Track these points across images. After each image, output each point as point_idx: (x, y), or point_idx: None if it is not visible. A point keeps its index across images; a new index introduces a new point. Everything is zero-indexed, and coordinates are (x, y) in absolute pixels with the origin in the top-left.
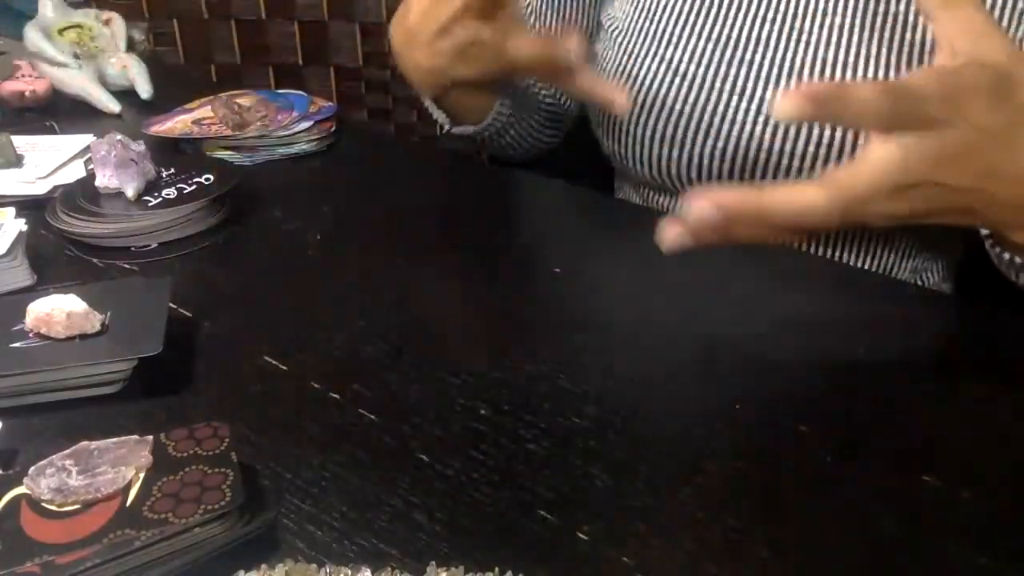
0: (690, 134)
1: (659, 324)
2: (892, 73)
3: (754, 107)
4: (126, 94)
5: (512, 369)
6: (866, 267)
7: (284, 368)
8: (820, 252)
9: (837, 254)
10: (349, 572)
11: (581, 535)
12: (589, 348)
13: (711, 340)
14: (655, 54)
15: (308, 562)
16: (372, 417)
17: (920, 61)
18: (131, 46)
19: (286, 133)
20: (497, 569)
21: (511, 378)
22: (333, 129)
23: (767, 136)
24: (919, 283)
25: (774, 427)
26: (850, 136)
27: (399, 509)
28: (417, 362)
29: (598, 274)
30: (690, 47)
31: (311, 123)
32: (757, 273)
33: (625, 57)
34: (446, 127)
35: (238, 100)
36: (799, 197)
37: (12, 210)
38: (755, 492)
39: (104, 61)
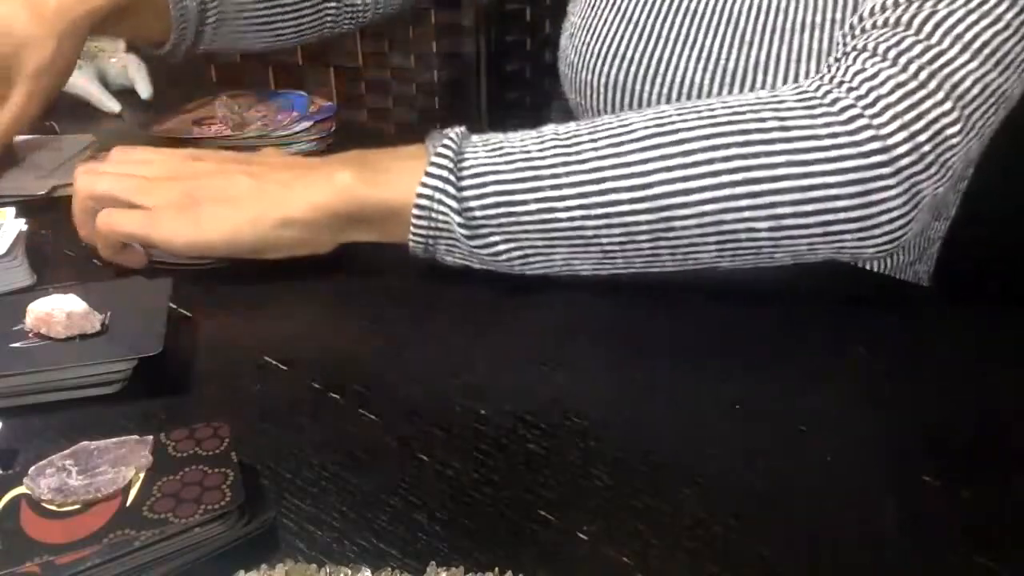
0: (639, 82)
1: (659, 324)
2: (818, 16)
3: (695, 53)
4: (126, 94)
5: (512, 369)
6: None
7: (284, 368)
8: None
9: None
10: (349, 572)
11: (581, 535)
12: (589, 348)
13: (711, 340)
14: (613, 5)
15: (308, 562)
16: (372, 417)
17: (844, 4)
18: (131, 46)
19: (286, 133)
20: (497, 569)
21: (511, 378)
22: (333, 129)
23: (705, 82)
24: (885, 264)
25: (774, 427)
26: (780, 85)
27: (399, 509)
28: (417, 362)
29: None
30: (719, 35)
31: (311, 123)
32: (757, 273)
33: (589, 10)
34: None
35: (238, 100)
36: None
37: (12, 210)
38: (755, 492)
39: (104, 61)
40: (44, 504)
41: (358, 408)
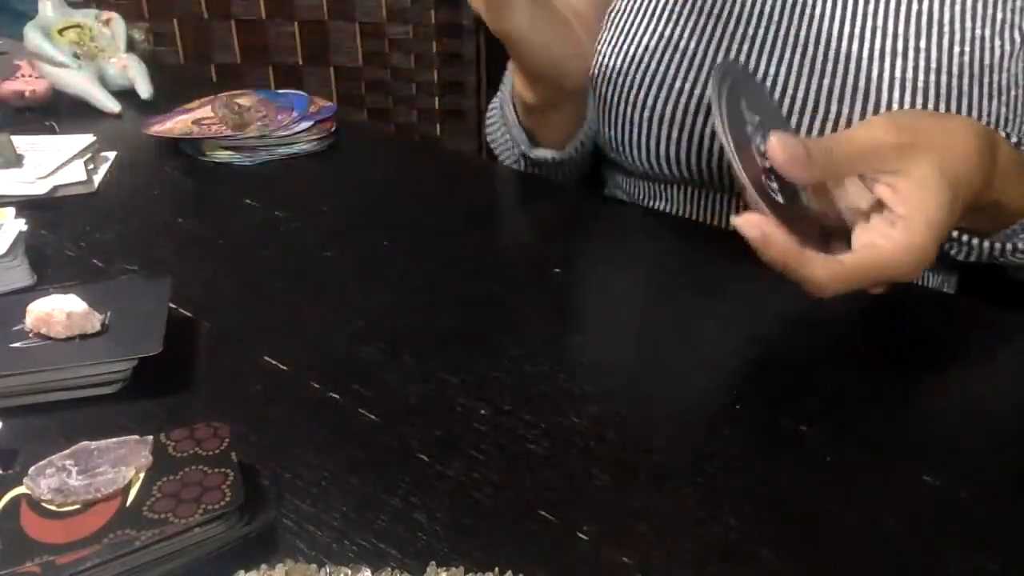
0: (690, 114)
1: (659, 324)
2: (899, 44)
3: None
4: (126, 94)
5: (512, 369)
6: None
7: (284, 368)
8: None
9: None
10: (349, 572)
11: (581, 535)
12: (589, 348)
13: (711, 340)
14: (654, 31)
15: (308, 562)
16: (372, 417)
17: (928, 31)
18: (131, 46)
19: (286, 133)
20: (497, 569)
21: (511, 378)
22: (333, 129)
23: None
24: (921, 280)
25: (774, 427)
26: (856, 117)
27: (399, 509)
28: (417, 362)
29: (598, 274)
30: (691, 23)
31: (311, 123)
32: (757, 273)
33: (621, 36)
34: (523, 148)
35: (238, 100)
36: (811, 271)
37: (12, 210)
38: (755, 492)
39: (104, 61)
40: (44, 504)
41: (358, 408)
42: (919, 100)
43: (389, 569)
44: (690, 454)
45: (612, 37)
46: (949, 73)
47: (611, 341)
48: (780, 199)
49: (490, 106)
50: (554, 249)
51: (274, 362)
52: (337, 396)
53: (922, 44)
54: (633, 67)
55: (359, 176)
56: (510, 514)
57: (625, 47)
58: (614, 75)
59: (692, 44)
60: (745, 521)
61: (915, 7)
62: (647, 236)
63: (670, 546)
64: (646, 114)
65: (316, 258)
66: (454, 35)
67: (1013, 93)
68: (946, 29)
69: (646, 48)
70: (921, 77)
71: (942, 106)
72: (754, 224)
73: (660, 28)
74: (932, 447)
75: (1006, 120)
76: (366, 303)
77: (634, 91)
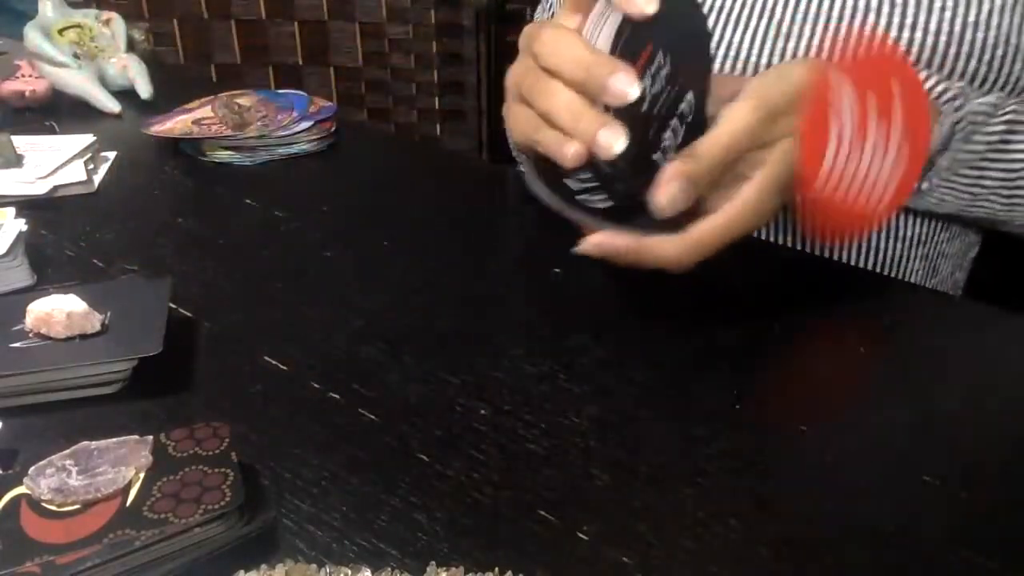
0: None
1: (659, 324)
2: (874, 0)
3: (720, 52)
4: (126, 94)
5: (512, 369)
6: (878, 260)
7: (284, 368)
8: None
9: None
10: (349, 572)
11: (581, 535)
12: (589, 348)
13: (711, 340)
14: (716, 36)
15: (308, 562)
16: (372, 417)
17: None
18: (131, 46)
19: (286, 133)
20: (497, 569)
21: (511, 378)
22: (333, 129)
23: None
24: (929, 275)
25: (774, 427)
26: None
27: (399, 509)
28: (417, 362)
29: (598, 274)
30: (750, 29)
31: (311, 123)
32: (757, 273)
33: None
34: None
35: (238, 100)
36: (660, 254)
37: (12, 210)
38: (755, 492)
39: (104, 61)
40: (44, 504)
41: (358, 408)
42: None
43: (389, 569)
44: (690, 454)
45: None
46: (925, 31)
47: (611, 341)
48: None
49: None
50: (554, 249)
51: (274, 362)
52: (337, 396)
53: (899, 0)
54: None
55: (359, 176)
56: (510, 514)
57: None
58: None
59: (754, 55)
60: (745, 521)
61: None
62: None
63: (670, 546)
64: None
65: (316, 258)
66: (454, 35)
67: (998, 52)
68: None
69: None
70: (893, 34)
71: (923, 63)
72: (591, 245)
73: (726, 34)
74: (932, 447)
75: (983, 79)
76: (366, 303)
77: None
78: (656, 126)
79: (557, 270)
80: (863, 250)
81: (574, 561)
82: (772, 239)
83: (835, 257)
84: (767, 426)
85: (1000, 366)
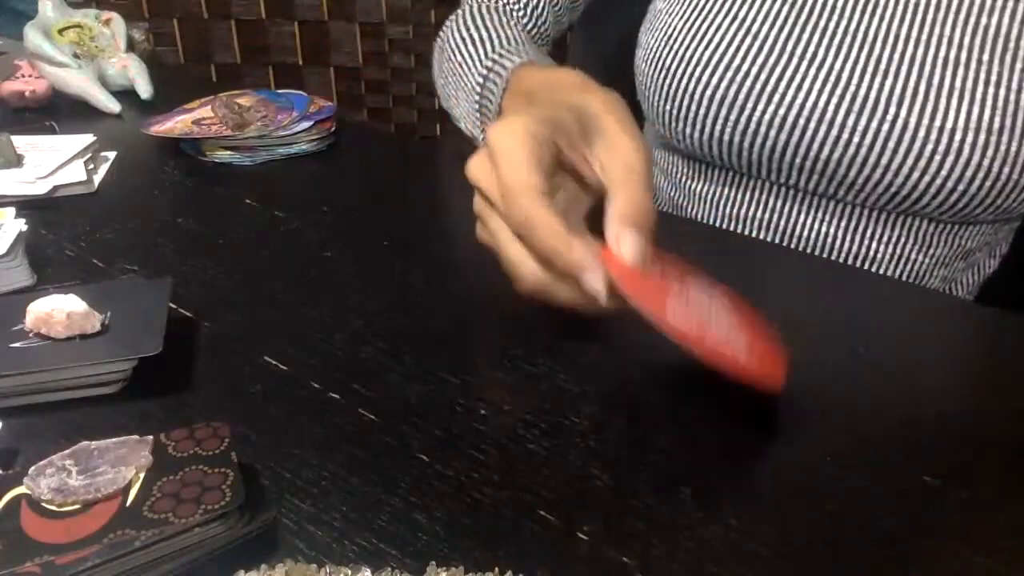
0: (752, 96)
1: None
2: (963, 55)
3: (822, 75)
4: (126, 94)
5: (512, 369)
6: (898, 271)
7: (284, 368)
8: (849, 250)
9: (870, 254)
10: (349, 572)
11: (581, 535)
12: (589, 348)
13: None
14: (727, 11)
15: (308, 562)
16: (372, 417)
17: (993, 45)
18: (131, 46)
19: (286, 133)
20: (497, 569)
21: (511, 378)
22: (333, 129)
23: (831, 107)
24: (948, 291)
25: (774, 427)
26: (913, 121)
27: (399, 509)
28: (417, 362)
29: None
30: (765, 7)
31: (311, 123)
32: (758, 273)
33: (693, 12)
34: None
35: (238, 100)
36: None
37: (12, 210)
38: (755, 492)
39: (104, 61)
40: (44, 504)
41: (358, 408)
42: (975, 111)
43: (389, 569)
44: (690, 454)
45: (683, 11)
46: (1008, 88)
47: (611, 341)
48: None
49: (457, 33)
50: None
51: (274, 362)
52: (337, 396)
53: (984, 57)
54: (703, 45)
55: (359, 176)
56: (510, 514)
57: (696, 23)
58: (680, 48)
59: (764, 28)
60: (745, 521)
61: (983, 20)
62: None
63: (670, 546)
64: (708, 92)
65: (316, 258)
66: None
67: None
68: (1011, 44)
69: (718, 28)
70: (980, 89)
71: (997, 119)
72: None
73: (735, 9)
74: (932, 447)
75: None
76: (366, 303)
77: (700, 68)
78: None
79: None
80: (893, 259)
81: (574, 561)
82: (772, 239)
83: (867, 257)
84: (767, 426)
85: (1001, 366)
